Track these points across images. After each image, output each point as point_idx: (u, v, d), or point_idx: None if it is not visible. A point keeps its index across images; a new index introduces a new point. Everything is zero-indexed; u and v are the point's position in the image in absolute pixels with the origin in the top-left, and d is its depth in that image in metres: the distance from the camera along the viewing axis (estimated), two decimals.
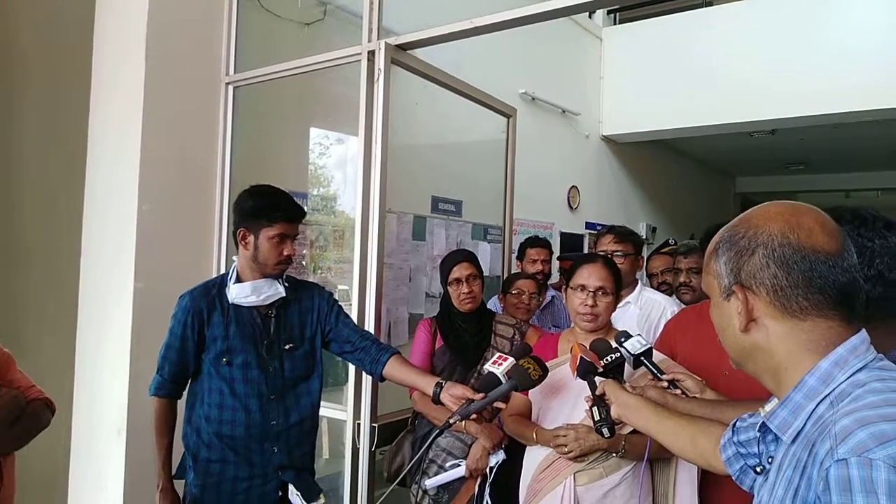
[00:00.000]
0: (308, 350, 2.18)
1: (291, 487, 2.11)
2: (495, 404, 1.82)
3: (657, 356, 1.82)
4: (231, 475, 2.06)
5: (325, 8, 3.71)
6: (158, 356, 2.13)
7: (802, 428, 0.87)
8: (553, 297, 3.60)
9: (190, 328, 2.06)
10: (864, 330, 0.91)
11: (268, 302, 2.11)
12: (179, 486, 2.16)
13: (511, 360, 1.84)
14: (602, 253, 2.88)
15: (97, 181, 3.05)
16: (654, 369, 1.73)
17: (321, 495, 2.13)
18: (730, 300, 0.96)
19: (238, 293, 2.08)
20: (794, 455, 0.87)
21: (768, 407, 0.95)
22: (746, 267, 0.93)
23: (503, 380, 1.80)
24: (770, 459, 0.97)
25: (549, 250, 3.62)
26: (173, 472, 2.16)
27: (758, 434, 1.01)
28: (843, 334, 0.89)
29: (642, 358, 1.74)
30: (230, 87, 3.23)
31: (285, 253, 2.06)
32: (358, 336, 2.20)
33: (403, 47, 2.78)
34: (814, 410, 0.87)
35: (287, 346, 2.13)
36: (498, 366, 1.83)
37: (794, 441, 0.89)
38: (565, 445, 1.89)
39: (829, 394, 0.86)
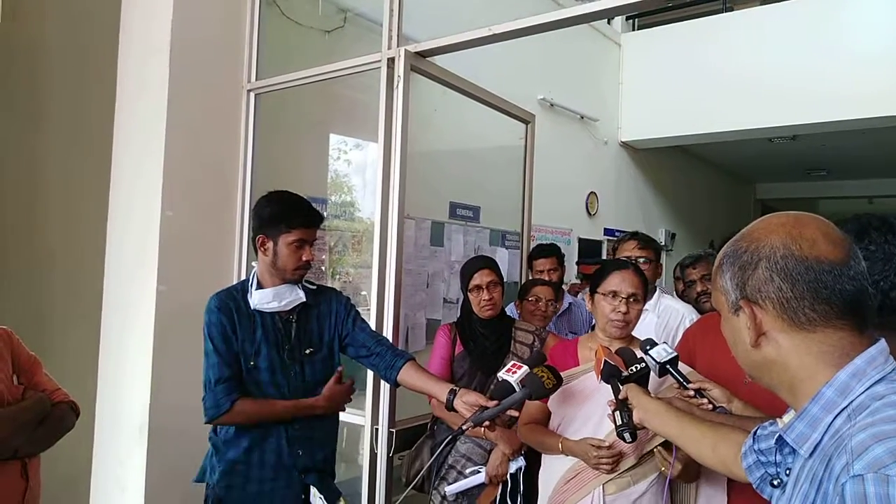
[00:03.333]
0: (326, 355, 2.20)
1: (314, 490, 2.12)
2: (510, 412, 1.83)
3: (682, 366, 1.81)
4: (256, 476, 2.08)
5: (345, 16, 3.75)
6: (206, 376, 2.04)
7: (820, 441, 0.86)
8: (570, 303, 3.58)
9: (227, 325, 2.06)
10: (882, 340, 0.89)
11: (289, 307, 2.13)
12: (200, 490, 2.18)
13: (525, 368, 1.84)
14: (625, 258, 2.87)
15: (121, 186, 3.10)
16: (680, 378, 1.71)
17: (341, 498, 2.14)
18: (738, 315, 0.95)
19: (260, 299, 2.09)
20: (811, 469, 0.86)
21: (786, 418, 0.94)
22: (751, 281, 0.92)
23: (517, 388, 1.81)
24: (787, 472, 0.96)
25: (557, 257, 3.54)
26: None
27: (775, 445, 1.00)
28: (855, 344, 0.88)
29: (668, 366, 1.71)
30: (252, 94, 3.26)
31: (304, 258, 2.08)
32: (374, 341, 2.21)
33: (423, 54, 2.80)
34: (831, 423, 0.85)
35: (307, 351, 2.15)
36: (512, 374, 1.83)
37: (811, 455, 0.87)
38: (607, 465, 1.88)
39: (846, 406, 0.84)
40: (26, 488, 1.95)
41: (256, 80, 3.27)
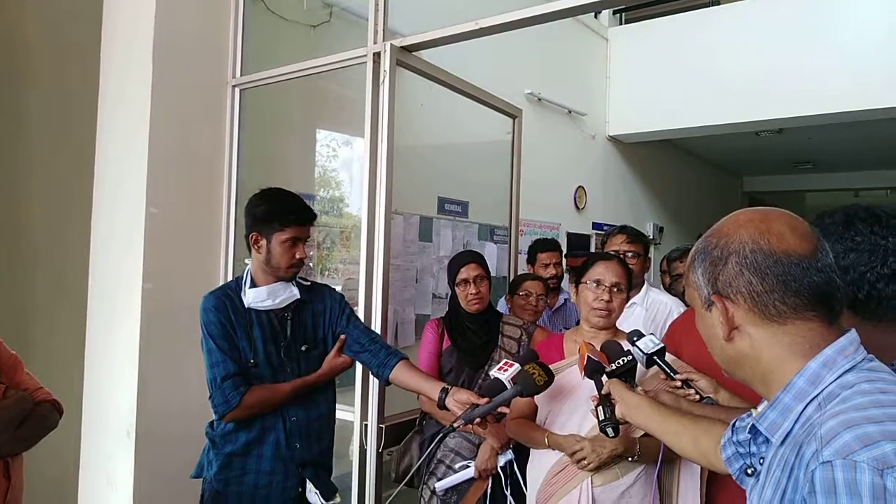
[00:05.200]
0: (321, 351, 2.22)
1: (310, 485, 2.13)
2: (500, 409, 1.84)
3: (669, 357, 1.81)
4: (254, 468, 2.09)
5: (330, 10, 3.72)
6: (211, 375, 2.04)
7: (791, 429, 0.87)
8: (566, 299, 3.60)
9: (226, 321, 2.07)
10: (853, 330, 0.91)
11: (283, 305, 2.14)
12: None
13: (516, 366, 1.86)
14: (613, 252, 2.88)
15: (105, 183, 3.07)
16: (667, 368, 1.71)
17: (337, 494, 2.15)
18: (711, 310, 0.96)
19: (255, 297, 2.10)
20: (783, 457, 0.87)
21: (760, 408, 0.95)
22: (722, 276, 0.93)
23: (508, 385, 1.82)
24: (761, 461, 0.97)
25: (559, 252, 3.60)
26: (192, 472, 2.18)
27: (749, 435, 1.01)
28: (825, 335, 0.89)
29: (655, 357, 1.72)
30: (237, 90, 3.24)
31: (298, 256, 2.10)
32: (367, 338, 2.22)
33: (409, 49, 2.78)
34: (802, 412, 0.87)
35: (303, 348, 2.17)
36: (503, 371, 1.85)
37: (782, 443, 0.89)
38: (584, 459, 1.88)
39: (817, 395, 0.86)
40: (8, 487, 1.94)
41: (241, 75, 3.24)
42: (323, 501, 2.13)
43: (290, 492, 2.12)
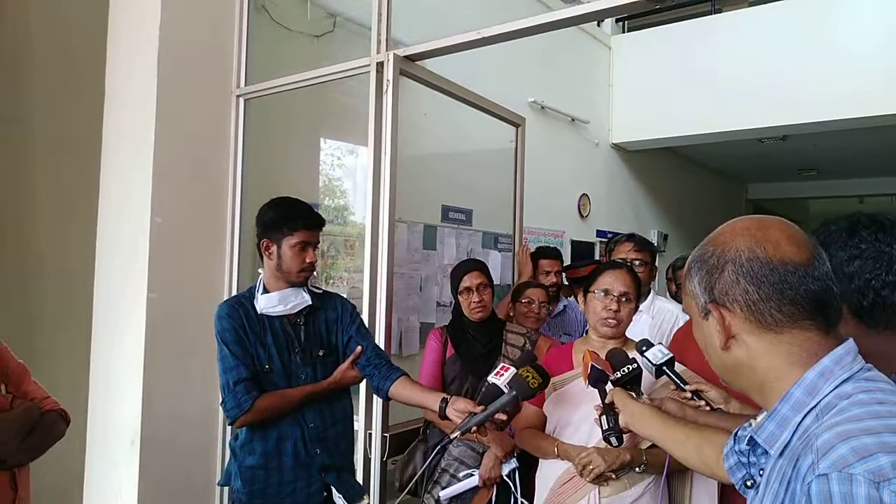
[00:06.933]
0: (336, 358, 2.25)
1: (334, 490, 2.16)
2: (499, 415, 1.84)
3: (679, 367, 1.80)
4: (276, 480, 2.11)
5: (334, 20, 3.74)
6: (224, 380, 2.07)
7: (789, 441, 0.87)
8: (565, 306, 3.59)
9: (239, 327, 2.10)
10: (850, 339, 0.90)
11: (295, 311, 2.18)
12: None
13: (512, 370, 1.87)
14: (620, 260, 2.87)
15: (110, 193, 3.08)
16: (676, 379, 1.70)
17: (364, 496, 2.17)
18: (708, 319, 0.96)
19: (266, 304, 2.13)
20: (781, 469, 0.86)
21: (759, 419, 0.95)
22: (718, 285, 0.93)
23: (505, 390, 1.82)
24: (761, 472, 0.96)
25: (560, 261, 3.61)
26: (218, 479, 2.19)
27: (747, 447, 1.01)
28: (822, 344, 0.88)
29: (664, 368, 1.71)
30: (241, 100, 3.25)
31: (308, 260, 2.14)
32: (374, 353, 2.26)
33: (412, 58, 2.80)
34: (800, 423, 0.86)
35: (320, 353, 2.21)
36: (500, 377, 1.85)
37: (780, 454, 0.88)
38: (590, 464, 1.87)
39: (814, 406, 0.85)
40: (15, 498, 1.94)
41: (245, 85, 3.26)
42: None
43: (314, 497, 2.15)
